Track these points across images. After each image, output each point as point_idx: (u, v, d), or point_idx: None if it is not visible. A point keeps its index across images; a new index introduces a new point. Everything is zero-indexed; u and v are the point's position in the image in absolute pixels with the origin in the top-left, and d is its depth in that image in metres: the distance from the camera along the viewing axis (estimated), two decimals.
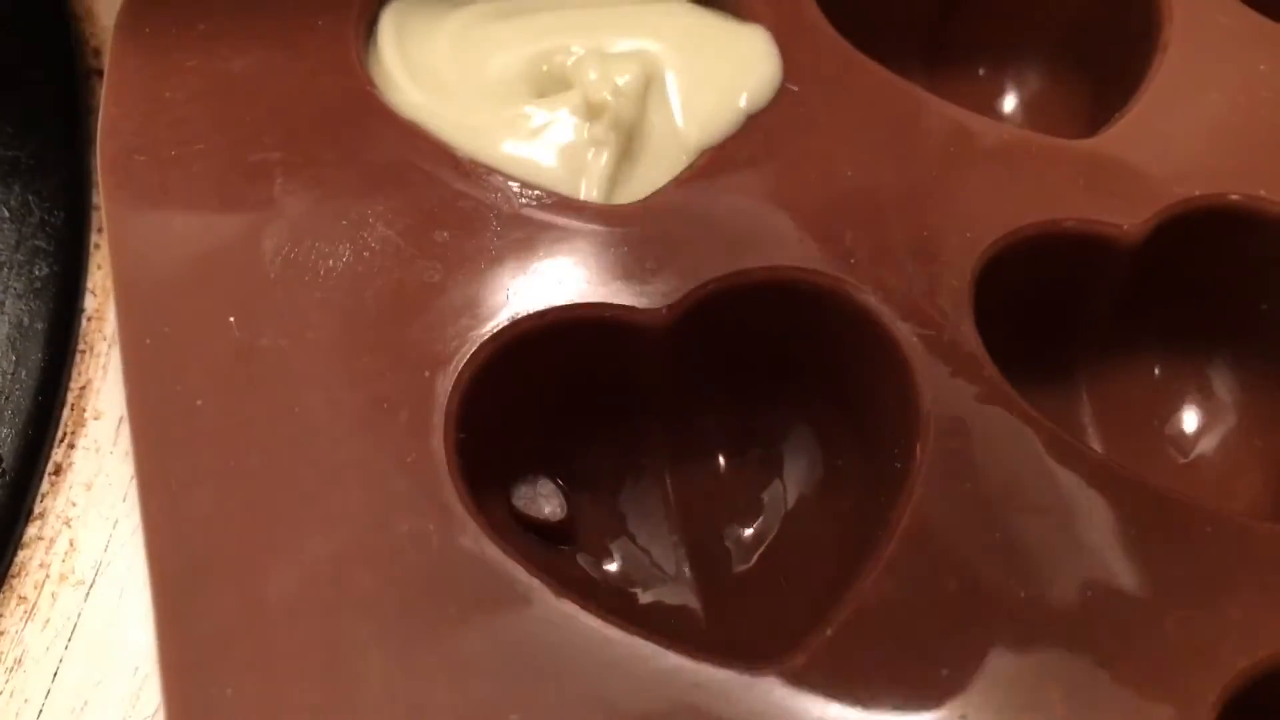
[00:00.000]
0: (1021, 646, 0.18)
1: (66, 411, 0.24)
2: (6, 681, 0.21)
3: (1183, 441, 0.25)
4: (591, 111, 0.23)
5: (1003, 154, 0.23)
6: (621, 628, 0.18)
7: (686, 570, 0.22)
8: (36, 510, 0.23)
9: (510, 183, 0.22)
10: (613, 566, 0.22)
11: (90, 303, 0.25)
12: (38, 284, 0.25)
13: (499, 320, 0.20)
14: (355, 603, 0.18)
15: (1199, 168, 0.23)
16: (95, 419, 0.24)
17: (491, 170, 0.22)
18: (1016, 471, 0.20)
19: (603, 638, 0.18)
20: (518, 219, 0.22)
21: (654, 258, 0.21)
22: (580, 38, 0.24)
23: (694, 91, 0.24)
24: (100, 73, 0.27)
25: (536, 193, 0.22)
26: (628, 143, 0.23)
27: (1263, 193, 0.23)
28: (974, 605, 0.18)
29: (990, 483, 0.19)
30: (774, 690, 0.18)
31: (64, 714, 0.21)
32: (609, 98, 0.22)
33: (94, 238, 0.26)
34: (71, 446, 0.24)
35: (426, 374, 0.20)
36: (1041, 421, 0.20)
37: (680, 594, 0.22)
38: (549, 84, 0.24)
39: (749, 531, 0.23)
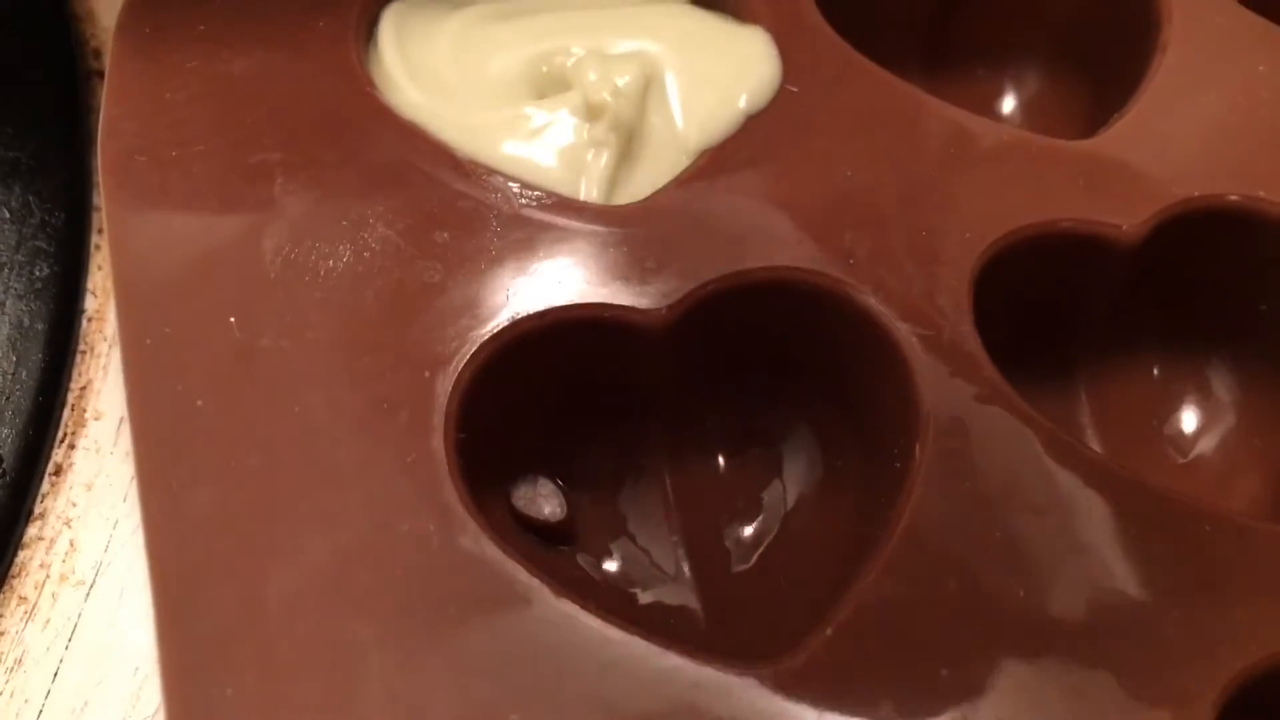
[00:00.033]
0: (1021, 646, 0.18)
1: (67, 412, 0.24)
2: (6, 682, 0.21)
3: (1182, 441, 0.25)
4: (591, 112, 0.23)
5: (1002, 155, 0.23)
6: (621, 628, 0.18)
7: (686, 570, 0.22)
8: (37, 510, 0.23)
9: (510, 183, 0.22)
10: (613, 566, 0.22)
11: (91, 303, 0.25)
12: (38, 284, 0.25)
13: (499, 320, 0.20)
14: (355, 603, 0.18)
15: (1198, 168, 0.23)
16: (96, 419, 0.24)
17: (491, 171, 0.22)
18: (1016, 471, 0.20)
19: (603, 638, 0.18)
20: (518, 219, 0.22)
21: (654, 258, 0.21)
22: (580, 39, 0.24)
23: (694, 92, 0.24)
24: (101, 74, 0.27)
25: (536, 193, 0.22)
26: (627, 143, 0.23)
27: (1261, 193, 0.23)
28: (974, 605, 0.18)
29: (990, 482, 0.19)
30: (774, 690, 0.18)
31: (64, 714, 0.21)
32: (609, 99, 0.23)
33: (94, 238, 0.26)
34: (72, 447, 0.24)
35: (427, 374, 0.20)
36: (1041, 421, 0.20)
37: (680, 594, 0.22)
38: (549, 85, 0.24)
39: (749, 531, 0.23)
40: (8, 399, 0.23)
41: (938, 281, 0.21)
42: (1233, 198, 0.23)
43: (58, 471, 0.23)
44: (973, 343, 0.21)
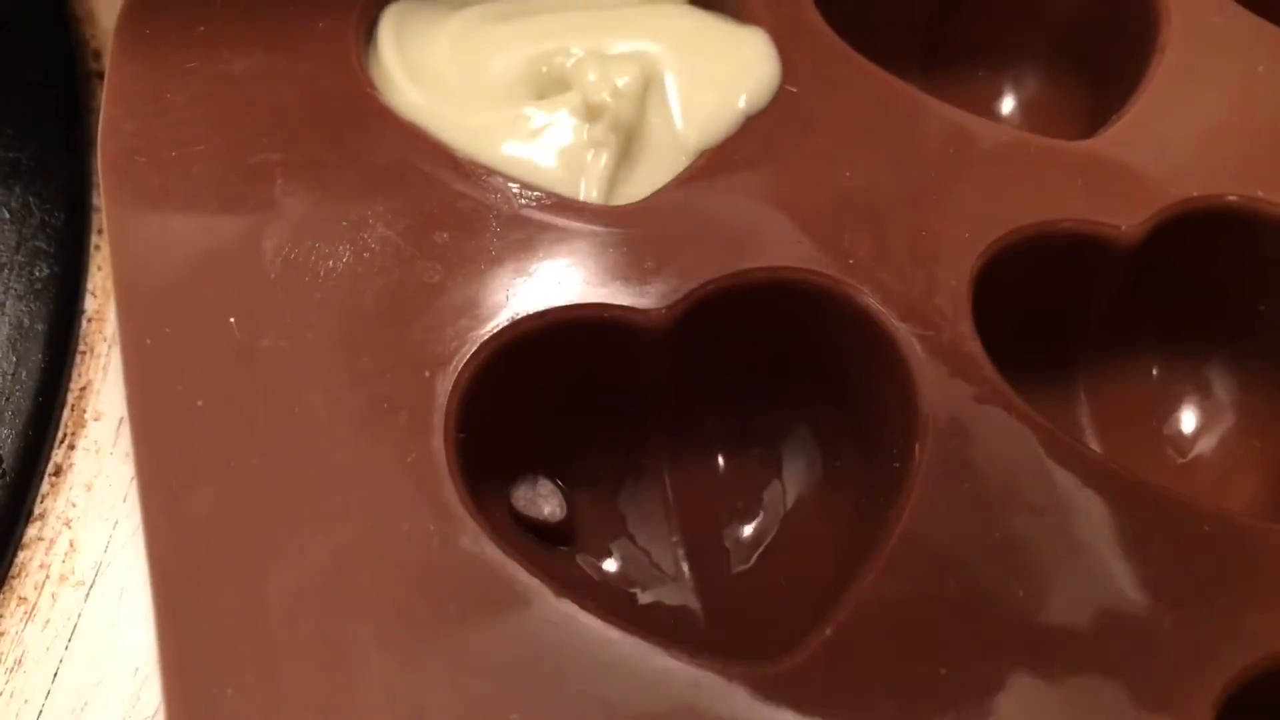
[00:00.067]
0: (1020, 646, 0.18)
1: (67, 412, 0.24)
2: (6, 682, 0.21)
3: (1181, 441, 0.25)
4: (591, 113, 0.23)
5: (1001, 155, 0.23)
6: (621, 628, 0.18)
7: (686, 570, 0.22)
8: (37, 511, 0.23)
9: (510, 184, 0.22)
10: (613, 567, 0.22)
11: (90, 304, 0.25)
12: (38, 285, 0.25)
13: (499, 321, 0.20)
14: (355, 603, 0.18)
15: (1197, 169, 0.23)
16: (95, 420, 0.24)
17: (491, 171, 0.22)
18: (1015, 471, 0.20)
19: (603, 638, 0.18)
20: (517, 220, 0.22)
21: (653, 258, 0.21)
22: (580, 39, 0.24)
23: (693, 93, 0.24)
24: (101, 75, 0.27)
25: (536, 194, 0.22)
26: (627, 144, 0.23)
27: (1260, 193, 0.23)
28: (973, 605, 0.18)
29: (989, 483, 0.19)
30: (773, 690, 0.18)
31: (64, 714, 0.21)
32: (608, 99, 0.23)
33: (94, 239, 0.26)
34: (72, 447, 0.24)
35: (427, 374, 0.20)
36: (1040, 422, 0.20)
37: (680, 594, 0.22)
38: (549, 85, 0.24)
39: (749, 531, 0.23)
40: (7, 399, 0.23)
41: (937, 282, 0.21)
42: (1231, 198, 0.23)
43: (57, 472, 0.23)
44: (972, 343, 0.21)
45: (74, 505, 0.23)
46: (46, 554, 0.22)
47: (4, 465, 0.23)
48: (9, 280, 0.25)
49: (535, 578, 0.18)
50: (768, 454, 0.23)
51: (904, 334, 0.21)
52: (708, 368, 0.22)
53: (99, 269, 0.25)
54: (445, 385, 0.20)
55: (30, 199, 0.26)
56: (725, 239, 0.22)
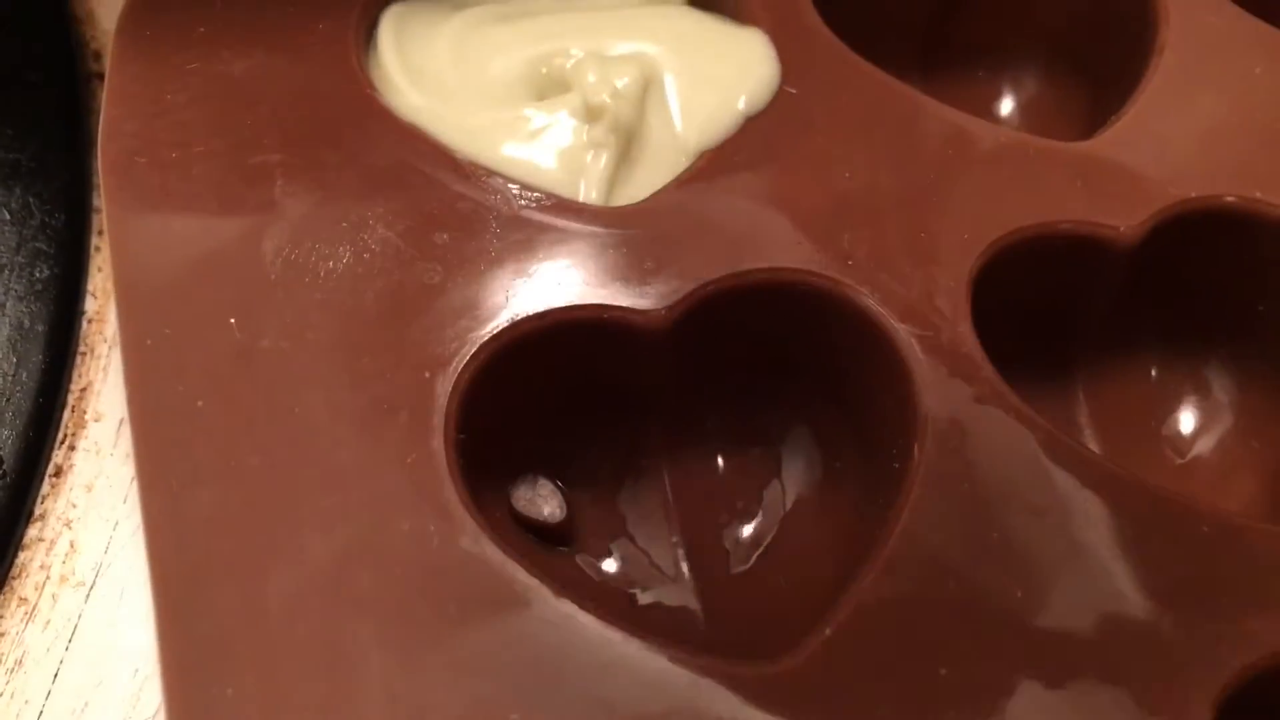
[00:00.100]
0: (1019, 646, 0.18)
1: (67, 413, 0.24)
2: (7, 683, 0.21)
3: (1180, 442, 0.25)
4: (591, 114, 0.23)
5: (1000, 156, 0.23)
6: (621, 628, 0.18)
7: (686, 570, 0.22)
8: (37, 512, 0.23)
9: (510, 185, 0.22)
10: (612, 567, 0.22)
11: (91, 305, 0.25)
12: (38, 286, 0.25)
13: (499, 321, 0.20)
14: (355, 603, 0.18)
15: (1195, 169, 0.23)
16: (96, 421, 0.24)
17: (491, 172, 0.22)
18: (1014, 472, 0.20)
19: (602, 638, 0.18)
20: (517, 221, 0.22)
21: (653, 259, 0.21)
22: (579, 40, 0.24)
23: (693, 94, 0.24)
24: (101, 76, 0.27)
25: (536, 195, 0.22)
26: (627, 145, 0.23)
27: (1258, 194, 0.23)
28: (972, 605, 0.18)
29: (988, 483, 0.20)
30: (773, 690, 0.18)
31: (64, 715, 0.21)
32: (608, 100, 0.23)
33: (94, 240, 0.26)
34: (72, 448, 0.24)
35: (426, 375, 0.20)
36: (1039, 422, 0.20)
37: (680, 594, 0.22)
38: (548, 87, 0.24)
39: (749, 531, 0.23)
40: (8, 400, 0.23)
41: (936, 282, 0.21)
42: (1230, 199, 0.23)
43: (58, 473, 0.23)
44: (971, 343, 0.21)
45: (74, 506, 0.23)
46: (47, 555, 0.22)
47: (4, 466, 0.23)
48: (9, 281, 0.25)
49: (535, 578, 0.18)
50: (767, 454, 0.23)
51: (903, 334, 0.21)
52: (707, 368, 0.22)
53: (99, 270, 0.25)
54: (445, 386, 0.20)
55: (30, 200, 0.26)
56: (725, 240, 0.22)
